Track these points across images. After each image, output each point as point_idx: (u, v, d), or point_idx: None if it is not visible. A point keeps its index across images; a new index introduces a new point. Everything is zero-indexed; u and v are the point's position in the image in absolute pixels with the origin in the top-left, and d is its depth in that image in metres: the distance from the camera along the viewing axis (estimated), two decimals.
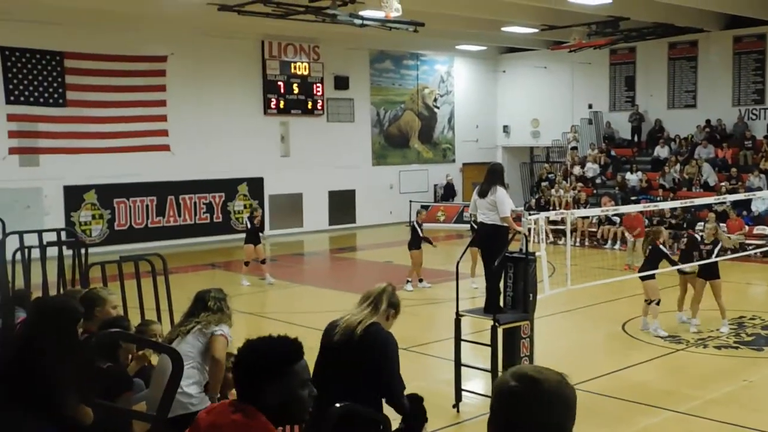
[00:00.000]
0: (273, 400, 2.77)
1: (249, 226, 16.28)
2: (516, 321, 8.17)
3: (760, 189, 20.21)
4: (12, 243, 8.71)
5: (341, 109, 25.93)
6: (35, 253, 8.27)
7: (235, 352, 2.94)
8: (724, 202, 18.63)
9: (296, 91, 24.49)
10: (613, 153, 25.69)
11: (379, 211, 26.35)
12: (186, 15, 19.98)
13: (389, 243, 21.45)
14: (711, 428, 7.81)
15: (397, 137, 27.86)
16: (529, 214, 9.76)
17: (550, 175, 25.86)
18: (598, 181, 24.68)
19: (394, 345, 4.71)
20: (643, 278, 11.45)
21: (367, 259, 21.00)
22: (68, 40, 20.08)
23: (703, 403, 8.50)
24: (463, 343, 8.38)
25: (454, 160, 29.36)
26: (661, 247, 11.45)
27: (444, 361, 9.49)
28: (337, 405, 4.31)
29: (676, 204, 17.31)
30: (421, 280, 15.26)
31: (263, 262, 16.31)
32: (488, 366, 8.06)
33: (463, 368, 8.29)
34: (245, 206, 22.97)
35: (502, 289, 8.51)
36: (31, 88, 19.74)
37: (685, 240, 12.40)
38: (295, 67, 24.42)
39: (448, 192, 27.63)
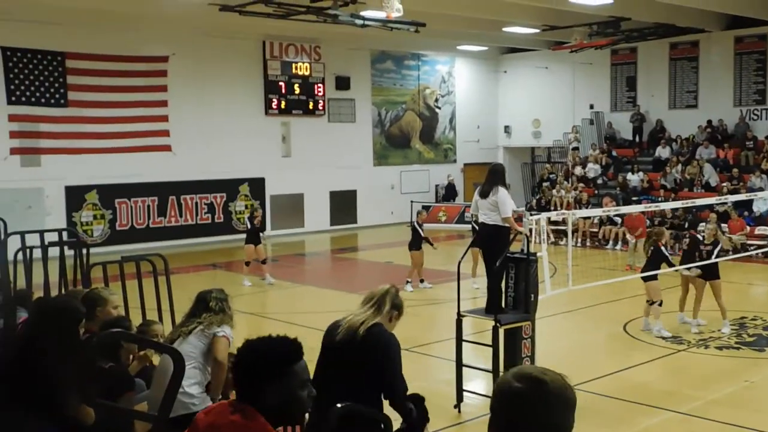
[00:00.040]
0: (272, 401, 2.77)
1: (249, 226, 16.33)
2: (517, 321, 8.17)
3: (761, 189, 20.18)
4: (13, 243, 8.72)
5: (342, 109, 25.94)
6: (37, 254, 8.28)
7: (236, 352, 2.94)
8: (726, 203, 18.60)
9: (297, 91, 24.49)
10: (614, 153, 25.68)
11: (381, 211, 26.35)
12: (187, 15, 19.99)
13: (390, 243, 21.45)
14: (712, 429, 7.80)
15: (398, 137, 27.87)
16: (531, 215, 9.77)
17: (551, 176, 25.85)
18: (599, 181, 24.67)
19: (397, 346, 4.71)
20: (645, 279, 11.46)
21: (368, 260, 21.00)
22: (69, 41, 20.09)
23: (705, 403, 8.50)
24: (464, 343, 8.38)
25: (455, 161, 29.37)
26: (662, 248, 11.46)
27: (445, 361, 9.49)
28: (339, 405, 4.31)
29: (678, 204, 17.31)
30: (422, 281, 15.26)
31: (264, 262, 16.32)
32: (489, 366, 8.06)
33: (464, 369, 8.29)
34: (246, 206, 22.96)
35: (503, 290, 8.51)
36: (32, 88, 19.75)
37: (687, 240, 12.41)
38: (296, 68, 24.42)
39: (449, 192, 27.62)
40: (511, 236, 8.54)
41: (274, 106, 24.07)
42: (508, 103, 29.93)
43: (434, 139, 28.96)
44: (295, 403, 2.85)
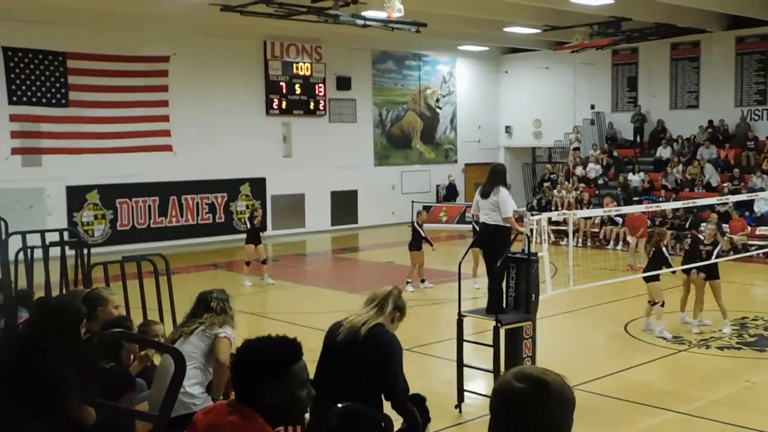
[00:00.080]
0: (272, 401, 2.76)
1: (249, 226, 16.36)
2: (518, 321, 8.17)
3: (762, 190, 20.17)
4: (15, 243, 8.71)
5: (343, 109, 25.94)
6: (38, 254, 8.27)
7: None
8: (727, 203, 18.60)
9: (298, 91, 24.49)
10: (615, 153, 25.68)
11: (381, 211, 26.36)
12: (188, 15, 20.00)
13: (391, 243, 21.44)
14: (713, 429, 7.80)
15: (399, 138, 27.87)
16: (531, 215, 9.77)
17: (552, 176, 25.85)
18: (600, 181, 24.66)
19: (398, 347, 4.71)
20: (646, 280, 11.45)
21: (369, 260, 21.00)
22: (71, 41, 20.10)
23: (706, 404, 8.50)
24: (465, 343, 8.38)
25: (456, 161, 29.37)
26: (663, 249, 11.47)
27: (446, 361, 9.48)
28: (339, 405, 4.31)
29: (679, 205, 17.30)
30: (423, 281, 15.27)
31: (264, 262, 16.33)
32: (490, 366, 8.06)
33: (465, 369, 8.29)
34: (247, 207, 22.96)
35: (504, 290, 8.51)
36: (33, 88, 19.76)
37: (689, 241, 12.41)
38: (297, 68, 24.42)
39: (450, 192, 27.62)
40: (512, 236, 8.54)
41: (275, 106, 24.07)
42: (509, 103, 29.93)
43: (435, 140, 28.96)
44: (295, 404, 2.84)
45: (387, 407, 4.75)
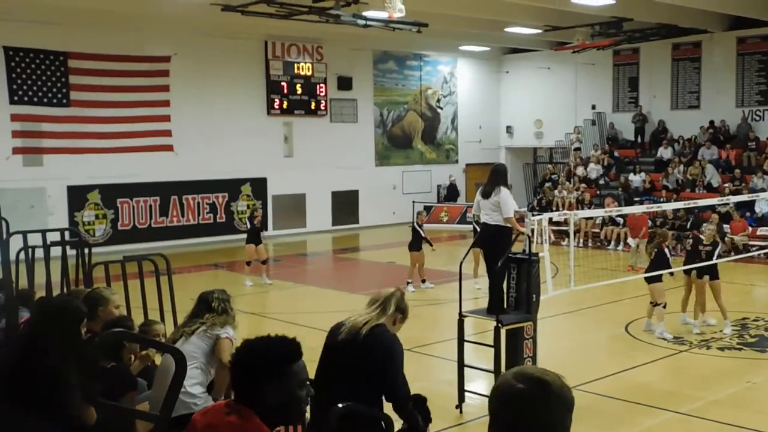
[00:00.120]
0: (271, 401, 2.76)
1: (249, 226, 16.40)
2: (519, 322, 8.17)
3: (763, 190, 20.16)
4: (16, 243, 8.71)
5: (344, 109, 25.94)
6: (39, 253, 8.28)
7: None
8: (728, 204, 18.60)
9: (299, 91, 24.50)
10: (616, 154, 25.68)
11: (382, 211, 26.36)
12: (189, 15, 20.01)
13: (392, 244, 21.44)
14: (714, 430, 7.80)
15: (400, 138, 27.87)
16: (532, 215, 9.77)
17: (553, 176, 25.85)
18: (601, 182, 24.66)
19: (399, 347, 4.71)
20: (649, 281, 11.44)
21: (369, 260, 21.01)
22: (72, 41, 20.11)
23: (706, 404, 8.50)
24: (466, 343, 8.38)
25: (457, 161, 29.37)
26: (666, 251, 11.48)
27: (447, 361, 9.48)
28: (339, 405, 4.31)
29: (680, 205, 17.31)
30: (424, 281, 15.28)
31: (264, 262, 16.35)
32: (491, 367, 8.06)
33: (466, 369, 8.30)
34: (248, 206, 22.97)
35: (505, 290, 8.51)
36: (34, 88, 19.77)
37: (690, 241, 12.42)
38: (298, 68, 24.43)
39: (451, 193, 27.63)
40: (513, 237, 8.54)
41: (276, 106, 24.08)
42: (510, 103, 29.93)
43: (436, 140, 28.96)
44: (294, 403, 2.84)
45: (387, 407, 4.75)
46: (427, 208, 24.69)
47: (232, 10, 18.30)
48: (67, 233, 10.33)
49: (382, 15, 16.95)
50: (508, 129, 30.16)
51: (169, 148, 21.88)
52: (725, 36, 23.63)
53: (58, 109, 20.06)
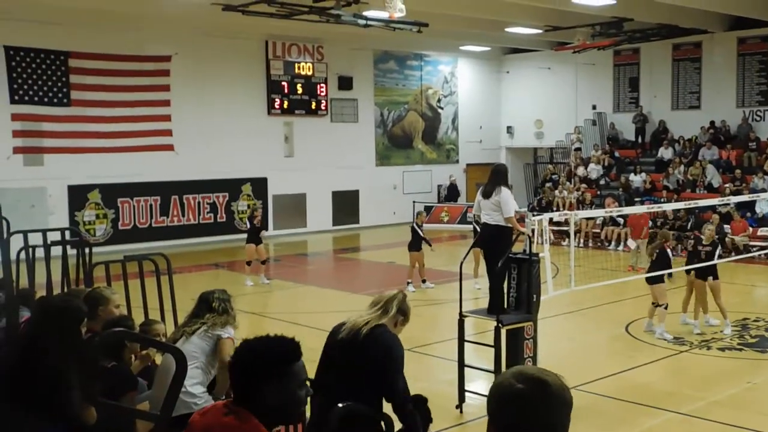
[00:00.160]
0: (271, 401, 2.75)
1: (249, 225, 16.42)
2: (519, 322, 8.17)
3: (764, 191, 20.16)
4: (16, 242, 8.70)
5: (345, 109, 25.94)
6: (39, 253, 8.28)
7: None
8: (728, 204, 18.60)
9: (300, 91, 24.50)
10: (616, 154, 25.67)
11: (383, 211, 26.36)
12: (190, 15, 20.01)
13: (392, 244, 21.44)
14: (714, 430, 7.79)
15: (400, 138, 27.87)
16: (533, 215, 9.77)
17: (553, 176, 25.85)
18: (601, 182, 24.66)
19: (400, 348, 4.70)
20: (651, 281, 11.42)
21: (370, 260, 21.01)
22: (73, 40, 20.11)
23: (707, 404, 8.50)
24: (466, 343, 8.38)
25: (457, 161, 29.37)
26: (668, 251, 11.48)
27: (447, 361, 9.48)
28: (340, 405, 4.31)
29: (680, 206, 17.29)
30: (424, 281, 15.28)
31: (263, 262, 16.36)
32: (491, 367, 8.06)
33: (466, 369, 8.29)
34: (249, 206, 22.97)
35: (505, 290, 8.50)
36: (35, 87, 19.78)
37: (692, 242, 12.42)
38: (298, 68, 24.43)
39: (451, 193, 27.62)
40: (514, 237, 8.53)
41: (277, 106, 24.08)
42: (510, 103, 29.93)
43: (437, 140, 28.96)
44: (294, 403, 2.83)
45: (387, 407, 4.75)
46: (428, 208, 24.69)
47: (233, 9, 18.30)
48: (67, 233, 10.33)
49: (383, 15, 16.95)
50: (509, 129, 30.16)
51: (169, 147, 21.89)
52: (726, 36, 23.62)
53: (58, 109, 20.07)
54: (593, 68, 26.55)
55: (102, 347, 4.98)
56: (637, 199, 22.50)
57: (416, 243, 15.20)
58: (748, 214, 20.21)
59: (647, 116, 25.75)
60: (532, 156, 30.44)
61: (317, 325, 9.56)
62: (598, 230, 21.80)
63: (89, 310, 5.14)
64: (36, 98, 19.77)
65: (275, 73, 23.99)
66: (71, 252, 8.82)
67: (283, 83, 24.13)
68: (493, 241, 8.58)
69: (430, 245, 15.37)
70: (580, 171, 25.23)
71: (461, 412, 8.14)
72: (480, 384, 8.68)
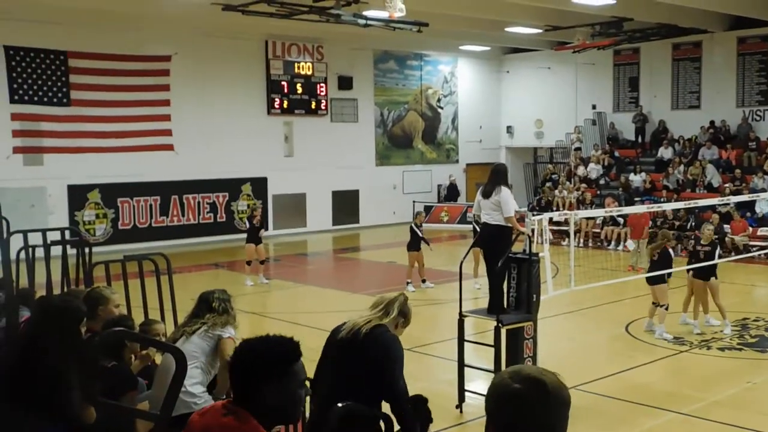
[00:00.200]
0: (271, 401, 2.75)
1: (249, 225, 16.42)
2: (519, 322, 8.17)
3: (764, 190, 20.17)
4: (16, 242, 8.70)
5: (345, 109, 25.94)
6: (39, 252, 8.27)
7: None
8: (728, 204, 18.60)
9: (300, 91, 24.50)
10: (616, 154, 25.67)
11: (383, 211, 26.36)
12: (190, 15, 20.01)
13: (392, 243, 21.44)
14: (714, 430, 7.79)
15: (400, 137, 27.87)
16: (533, 215, 9.76)
17: (553, 176, 25.85)
18: (601, 182, 24.66)
19: (399, 348, 4.70)
20: (653, 282, 11.41)
21: (370, 260, 21.01)
22: (72, 40, 20.11)
23: (707, 404, 8.49)
24: (466, 343, 8.38)
25: (457, 161, 29.37)
26: (670, 251, 11.49)
27: (447, 361, 9.48)
28: (339, 405, 4.30)
29: (680, 205, 17.29)
30: (424, 281, 15.28)
31: (263, 262, 16.36)
32: (491, 367, 8.06)
33: (466, 369, 8.30)
34: (248, 206, 22.96)
35: (505, 290, 8.50)
36: (35, 87, 19.77)
37: (693, 242, 12.42)
38: (298, 67, 24.43)
39: (451, 192, 27.63)
40: (514, 236, 8.53)
41: (277, 106, 24.08)
42: (510, 103, 29.93)
43: (436, 140, 28.96)
44: (294, 403, 2.83)
45: (387, 407, 4.74)
46: (428, 208, 24.71)
47: (233, 9, 18.30)
48: (67, 232, 10.32)
49: (383, 14, 16.95)
50: (509, 129, 30.16)
51: (169, 147, 21.88)
52: (726, 36, 23.62)
53: (58, 109, 20.06)
54: (593, 68, 26.55)
55: (102, 347, 4.97)
56: (636, 199, 22.50)
57: (415, 243, 15.21)
58: (748, 214, 20.21)
59: (647, 116, 25.75)
60: (532, 156, 30.44)
61: (317, 325, 9.56)
62: (598, 230, 21.81)
63: (89, 310, 5.14)
64: (36, 98, 19.77)
65: (275, 72, 23.99)
66: (71, 252, 8.82)
67: (283, 83, 24.13)
68: (493, 241, 8.58)
69: (429, 245, 15.37)
70: (580, 171, 25.24)
71: (461, 411, 8.15)
72: (480, 384, 8.68)
